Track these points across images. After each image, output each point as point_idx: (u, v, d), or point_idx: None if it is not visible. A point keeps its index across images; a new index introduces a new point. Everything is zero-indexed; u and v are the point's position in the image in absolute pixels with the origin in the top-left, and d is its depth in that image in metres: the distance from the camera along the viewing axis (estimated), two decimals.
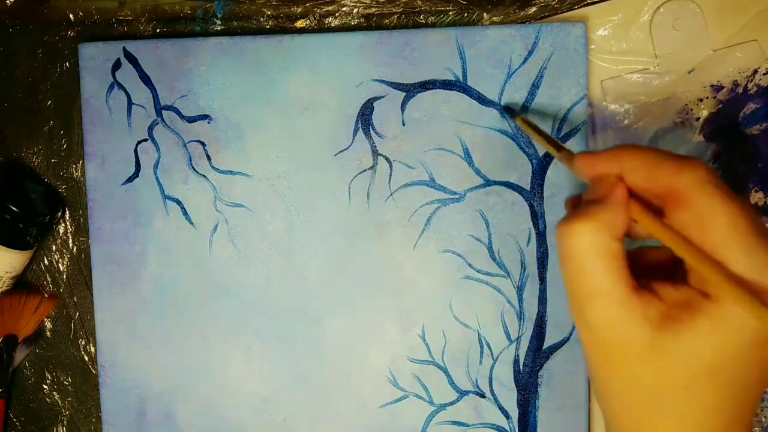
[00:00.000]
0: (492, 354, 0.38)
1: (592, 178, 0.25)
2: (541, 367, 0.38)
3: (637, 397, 0.23)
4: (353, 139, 0.38)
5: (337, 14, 0.39)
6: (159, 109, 0.39)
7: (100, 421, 0.40)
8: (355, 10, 0.39)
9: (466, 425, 0.38)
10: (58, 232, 0.41)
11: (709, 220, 0.21)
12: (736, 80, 0.38)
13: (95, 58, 0.39)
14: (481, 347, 0.38)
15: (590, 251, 0.22)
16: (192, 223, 0.39)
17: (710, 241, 0.21)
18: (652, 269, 0.25)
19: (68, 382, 0.42)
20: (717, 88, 0.38)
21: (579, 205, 0.24)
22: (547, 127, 0.37)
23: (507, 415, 0.38)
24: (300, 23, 0.39)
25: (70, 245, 0.41)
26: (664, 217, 0.23)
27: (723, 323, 0.21)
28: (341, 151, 0.38)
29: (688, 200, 0.22)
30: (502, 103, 0.37)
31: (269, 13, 0.39)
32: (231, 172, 0.39)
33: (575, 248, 0.23)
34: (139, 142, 0.39)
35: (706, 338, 0.21)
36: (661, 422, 0.23)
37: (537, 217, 0.38)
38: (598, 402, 0.25)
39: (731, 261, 0.21)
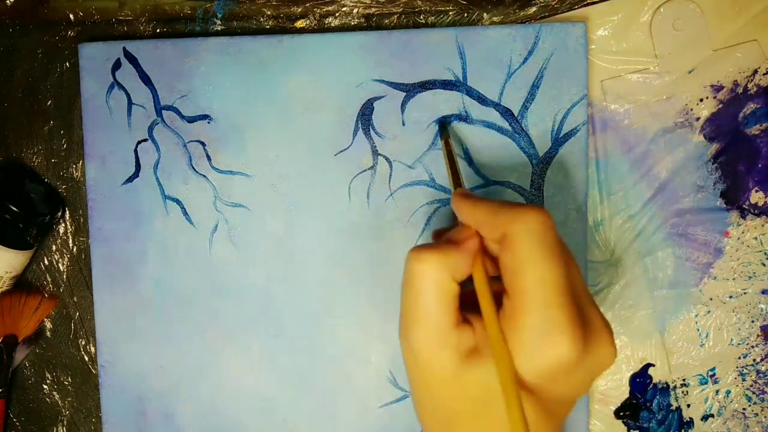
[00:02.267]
0: None
1: (460, 222, 0.28)
2: None
3: (440, 416, 0.26)
4: (353, 139, 0.38)
5: (337, 14, 0.39)
6: (159, 109, 0.39)
7: (100, 421, 0.40)
8: (355, 10, 0.39)
9: None
10: (58, 232, 0.41)
11: (523, 268, 0.23)
12: (736, 80, 0.38)
13: (95, 58, 0.39)
14: None
15: (429, 281, 0.25)
16: (192, 223, 0.39)
17: (519, 286, 0.23)
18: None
19: (68, 382, 0.42)
20: (717, 88, 0.38)
21: (440, 238, 0.27)
22: (547, 126, 0.37)
23: None
24: (300, 23, 0.39)
25: (70, 245, 0.41)
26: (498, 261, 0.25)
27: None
28: (341, 151, 0.38)
29: (513, 246, 0.24)
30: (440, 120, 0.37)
31: (269, 13, 0.39)
32: (231, 172, 0.39)
33: (418, 273, 0.25)
34: (139, 142, 0.39)
35: (485, 377, 0.24)
36: None
37: None
38: (415, 411, 0.28)
39: (527, 311, 0.23)
